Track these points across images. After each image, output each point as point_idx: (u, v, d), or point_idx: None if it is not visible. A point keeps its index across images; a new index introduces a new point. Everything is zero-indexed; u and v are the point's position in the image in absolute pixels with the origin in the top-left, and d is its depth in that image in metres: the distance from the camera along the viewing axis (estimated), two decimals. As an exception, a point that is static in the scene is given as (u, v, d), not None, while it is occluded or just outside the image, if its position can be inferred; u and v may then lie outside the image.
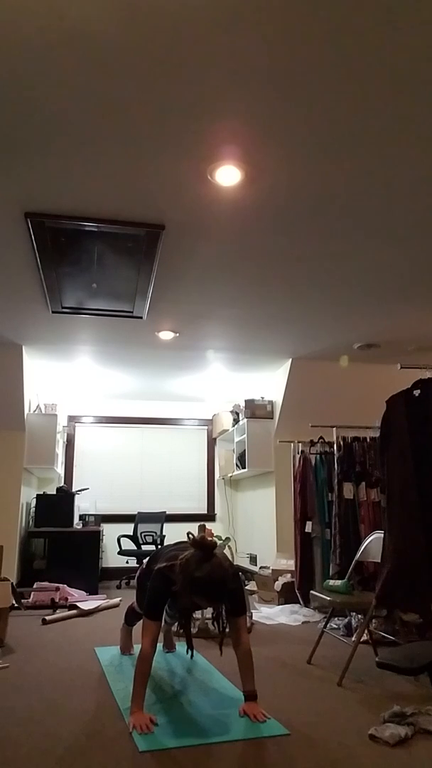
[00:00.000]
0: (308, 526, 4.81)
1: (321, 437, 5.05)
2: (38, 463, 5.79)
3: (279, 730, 2.29)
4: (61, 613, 4.62)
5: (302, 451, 5.09)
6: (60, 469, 6.87)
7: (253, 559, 6.62)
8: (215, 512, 7.61)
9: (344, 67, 1.94)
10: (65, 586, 5.29)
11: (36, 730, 2.31)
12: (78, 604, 4.88)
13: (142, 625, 2.48)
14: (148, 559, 2.98)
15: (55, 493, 6.36)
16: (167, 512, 7.00)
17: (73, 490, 6.72)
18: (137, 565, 6.17)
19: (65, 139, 2.32)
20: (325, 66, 1.94)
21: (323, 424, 4.99)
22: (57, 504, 6.12)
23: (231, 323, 4.58)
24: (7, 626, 3.76)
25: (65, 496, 6.21)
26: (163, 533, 6.80)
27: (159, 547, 6.58)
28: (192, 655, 2.60)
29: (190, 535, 2.51)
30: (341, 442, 4.58)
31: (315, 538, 4.82)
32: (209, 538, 2.45)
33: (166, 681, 2.95)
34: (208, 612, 2.65)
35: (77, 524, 6.30)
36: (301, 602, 4.91)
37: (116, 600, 5.21)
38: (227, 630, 2.52)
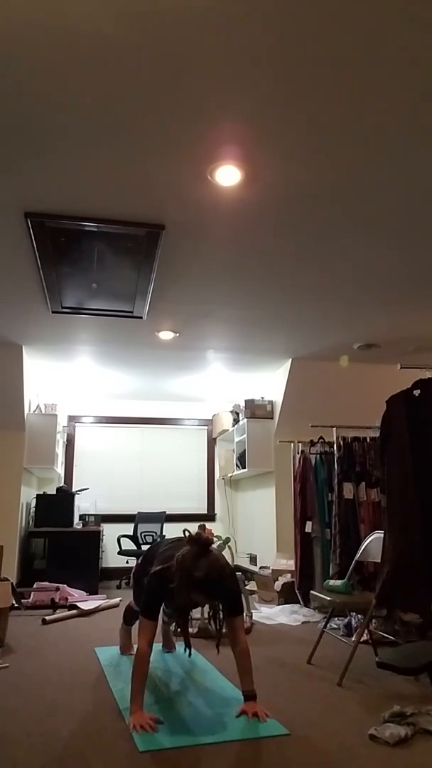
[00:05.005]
0: (308, 526, 4.81)
1: (321, 437, 5.05)
2: (38, 463, 5.79)
3: (279, 730, 2.29)
4: (61, 613, 4.62)
5: (302, 451, 5.09)
6: (60, 469, 6.86)
7: (253, 559, 6.62)
8: (215, 512, 7.61)
9: (344, 67, 1.94)
10: (65, 586, 5.29)
11: (36, 730, 2.31)
12: (78, 604, 4.88)
13: (138, 624, 2.47)
14: (143, 555, 2.99)
15: (55, 493, 6.36)
16: (167, 512, 7.00)
17: (73, 490, 6.71)
18: (137, 565, 6.16)
19: (65, 139, 2.32)
20: (324, 66, 1.94)
21: (323, 424, 4.99)
22: (57, 504, 6.12)
23: (231, 323, 4.58)
24: (7, 626, 3.76)
25: (65, 496, 6.21)
26: (163, 533, 6.79)
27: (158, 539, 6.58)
28: (190, 654, 2.60)
29: (186, 532, 2.51)
30: (341, 442, 4.58)
31: (315, 538, 4.82)
32: (204, 534, 2.46)
33: (165, 681, 2.95)
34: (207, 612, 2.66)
35: (77, 524, 6.30)
36: (301, 602, 4.91)
37: (116, 600, 5.21)
38: (224, 629, 2.52)
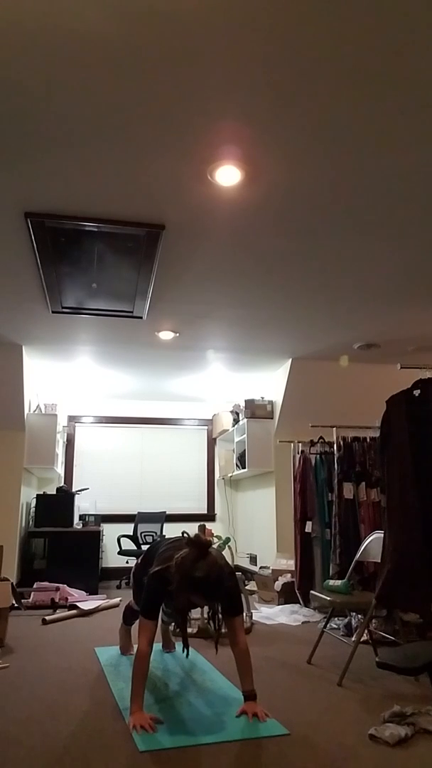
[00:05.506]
0: (308, 526, 4.81)
1: (321, 437, 5.05)
2: (38, 463, 5.79)
3: (279, 730, 2.29)
4: (61, 613, 4.62)
5: (302, 451, 5.09)
6: (60, 469, 6.87)
7: (253, 559, 6.62)
8: (215, 512, 7.61)
9: (343, 68, 1.94)
10: (65, 586, 5.29)
11: (36, 730, 2.31)
12: (78, 604, 4.88)
13: (138, 624, 2.47)
14: (143, 554, 2.99)
15: (55, 493, 6.36)
16: (167, 512, 7.00)
17: (73, 490, 6.71)
18: (137, 565, 6.15)
19: (65, 139, 2.32)
20: (324, 66, 1.94)
21: (323, 424, 4.99)
22: (57, 504, 6.12)
23: (231, 323, 4.58)
24: (7, 626, 3.76)
25: (65, 496, 6.21)
26: (163, 533, 6.79)
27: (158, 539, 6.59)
28: (188, 654, 2.60)
29: (185, 534, 2.51)
30: (341, 442, 4.58)
31: (315, 538, 4.82)
32: (204, 537, 2.46)
33: (165, 681, 2.95)
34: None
35: (77, 524, 6.30)
36: (301, 602, 4.91)
37: (116, 600, 5.21)
38: (224, 629, 2.52)
